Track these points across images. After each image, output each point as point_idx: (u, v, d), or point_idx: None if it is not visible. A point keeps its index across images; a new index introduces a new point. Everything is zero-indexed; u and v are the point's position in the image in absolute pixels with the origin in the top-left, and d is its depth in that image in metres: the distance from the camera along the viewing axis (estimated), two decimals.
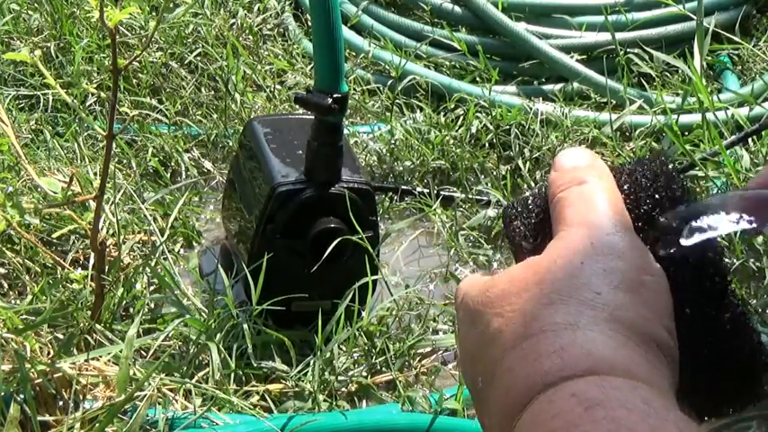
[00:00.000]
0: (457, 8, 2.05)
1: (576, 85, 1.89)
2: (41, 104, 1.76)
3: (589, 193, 0.49)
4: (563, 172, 0.51)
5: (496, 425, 0.45)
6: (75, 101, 1.65)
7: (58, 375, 1.15)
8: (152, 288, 1.41)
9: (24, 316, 1.27)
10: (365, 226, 1.30)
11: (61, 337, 1.24)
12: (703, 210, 0.48)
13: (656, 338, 0.44)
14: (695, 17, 1.80)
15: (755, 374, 0.50)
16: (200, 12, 1.99)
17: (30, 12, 1.97)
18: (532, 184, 1.68)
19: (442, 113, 1.82)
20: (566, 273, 0.46)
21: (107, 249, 1.32)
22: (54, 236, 1.43)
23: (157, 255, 1.39)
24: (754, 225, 0.47)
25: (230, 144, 1.72)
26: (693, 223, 0.47)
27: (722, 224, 0.47)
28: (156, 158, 1.67)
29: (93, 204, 1.21)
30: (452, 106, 1.82)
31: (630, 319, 0.44)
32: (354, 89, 1.88)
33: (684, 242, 0.47)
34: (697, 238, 0.47)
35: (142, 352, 1.28)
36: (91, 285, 1.29)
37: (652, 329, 0.45)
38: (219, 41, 1.96)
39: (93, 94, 1.77)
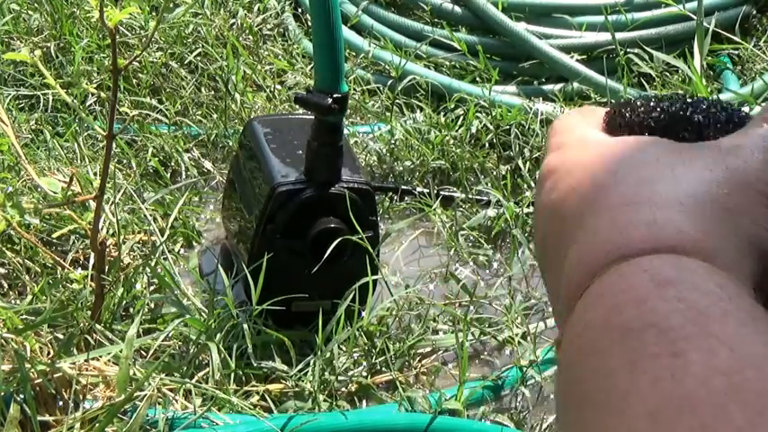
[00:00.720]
0: (457, 8, 2.05)
1: (576, 85, 1.89)
2: (41, 104, 1.76)
3: None
4: None
5: (565, 288, 0.42)
6: (75, 101, 1.65)
7: (58, 375, 1.15)
8: (152, 288, 1.41)
9: (24, 316, 1.27)
10: (365, 226, 1.30)
11: (61, 337, 1.24)
12: None
13: (759, 240, 0.42)
14: (695, 17, 1.80)
15: None
16: (201, 12, 1.99)
17: (30, 12, 1.97)
18: (532, 184, 1.68)
19: (442, 113, 1.82)
20: (693, 154, 0.44)
21: (107, 249, 1.32)
22: (54, 236, 1.43)
23: (157, 255, 1.39)
24: None
25: (230, 144, 1.72)
26: None
27: None
28: (156, 158, 1.67)
29: (93, 204, 1.21)
30: (452, 106, 1.82)
31: (736, 215, 0.42)
32: (354, 89, 1.88)
33: None
34: None
35: (142, 352, 1.28)
36: (91, 285, 1.29)
37: (757, 232, 0.42)
38: (219, 41, 1.96)
39: (93, 94, 1.77)
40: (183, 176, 1.67)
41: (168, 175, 1.67)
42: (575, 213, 0.45)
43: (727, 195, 0.42)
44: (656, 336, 0.35)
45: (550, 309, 1.45)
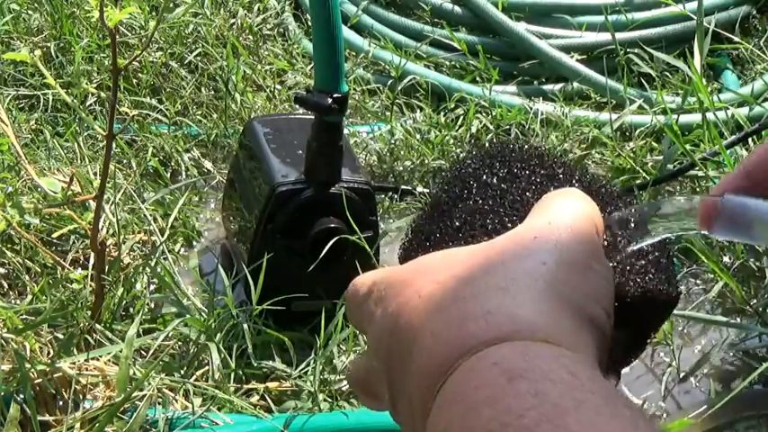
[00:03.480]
0: (457, 8, 2.05)
1: (576, 85, 1.89)
2: (41, 104, 1.76)
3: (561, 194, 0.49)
4: None
5: (417, 398, 0.42)
6: (75, 101, 1.65)
7: (58, 375, 1.15)
8: (152, 288, 1.41)
9: (24, 316, 1.27)
10: (365, 226, 1.30)
11: (61, 337, 1.24)
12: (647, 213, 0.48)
13: (591, 315, 0.43)
14: (695, 17, 1.80)
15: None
16: (201, 12, 1.99)
17: (30, 12, 1.97)
18: None
19: (442, 113, 1.82)
20: (516, 243, 0.45)
21: (107, 249, 1.32)
22: (54, 236, 1.43)
23: (157, 255, 1.39)
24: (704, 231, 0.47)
25: (230, 144, 1.72)
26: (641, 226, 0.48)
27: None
28: (156, 158, 1.67)
29: (93, 204, 1.21)
30: (452, 106, 1.82)
31: (567, 293, 0.43)
32: (354, 89, 1.88)
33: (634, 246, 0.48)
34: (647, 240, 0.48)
35: (142, 352, 1.28)
36: (91, 285, 1.29)
37: (588, 306, 0.43)
38: (219, 41, 1.96)
39: (93, 94, 1.77)
40: (183, 176, 1.67)
41: (168, 175, 1.67)
42: (413, 323, 0.44)
43: (554, 273, 0.43)
44: None
45: None
